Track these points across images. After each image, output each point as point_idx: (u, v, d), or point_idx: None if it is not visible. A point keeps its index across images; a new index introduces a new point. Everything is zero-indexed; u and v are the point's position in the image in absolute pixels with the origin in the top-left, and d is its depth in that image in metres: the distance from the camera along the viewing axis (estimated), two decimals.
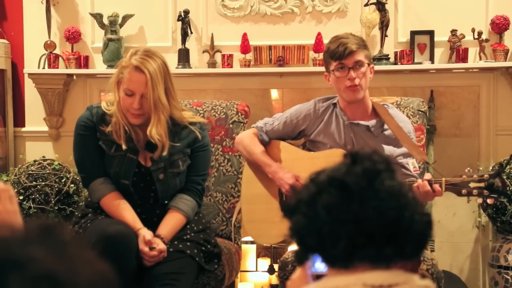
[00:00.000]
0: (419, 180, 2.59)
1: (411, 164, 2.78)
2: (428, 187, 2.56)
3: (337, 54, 2.75)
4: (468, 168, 2.58)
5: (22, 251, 0.76)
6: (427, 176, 2.65)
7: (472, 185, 2.53)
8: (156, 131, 2.63)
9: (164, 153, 2.68)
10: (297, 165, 2.91)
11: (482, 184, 2.51)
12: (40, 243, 0.78)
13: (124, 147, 2.67)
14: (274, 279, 3.76)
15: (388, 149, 2.80)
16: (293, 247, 3.29)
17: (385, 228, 1.08)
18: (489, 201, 2.56)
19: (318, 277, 1.14)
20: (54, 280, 0.74)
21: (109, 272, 0.81)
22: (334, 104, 2.91)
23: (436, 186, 2.56)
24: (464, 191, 2.53)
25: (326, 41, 3.78)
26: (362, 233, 1.08)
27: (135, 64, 2.62)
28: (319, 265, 1.12)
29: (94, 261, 0.81)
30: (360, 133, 2.85)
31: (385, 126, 2.84)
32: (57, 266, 0.75)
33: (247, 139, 3.02)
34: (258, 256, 3.96)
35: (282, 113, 3.06)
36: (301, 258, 1.15)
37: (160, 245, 2.61)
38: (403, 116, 2.97)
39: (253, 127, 3.08)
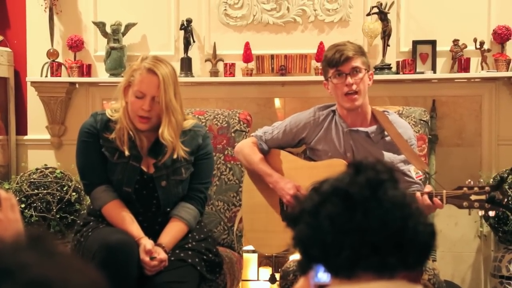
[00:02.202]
0: (418, 193, 2.58)
1: (413, 170, 2.78)
2: (429, 201, 2.55)
3: (334, 61, 2.75)
4: (469, 180, 2.57)
5: (12, 259, 0.76)
6: (428, 188, 2.64)
7: (473, 197, 2.51)
8: (167, 133, 2.64)
9: (175, 156, 2.69)
10: (297, 174, 2.90)
11: (483, 197, 2.50)
12: (31, 250, 0.78)
13: (127, 153, 2.67)
14: None
15: (388, 156, 2.79)
16: (295, 256, 3.29)
17: (389, 238, 1.08)
18: (490, 213, 2.55)
19: (321, 287, 1.14)
20: (46, 286, 0.74)
21: (101, 280, 0.81)
22: (333, 111, 2.91)
23: (436, 200, 2.55)
24: (465, 203, 2.52)
25: None
26: (366, 243, 1.08)
27: (148, 67, 2.64)
28: (322, 275, 1.12)
29: (86, 269, 0.81)
30: (359, 140, 2.84)
31: (385, 133, 2.83)
32: (49, 272, 0.76)
33: (246, 148, 3.01)
34: (259, 265, 3.95)
35: (281, 122, 3.05)
36: (304, 267, 1.15)
37: (161, 255, 2.61)
38: (404, 122, 2.96)
39: (252, 136, 3.07)
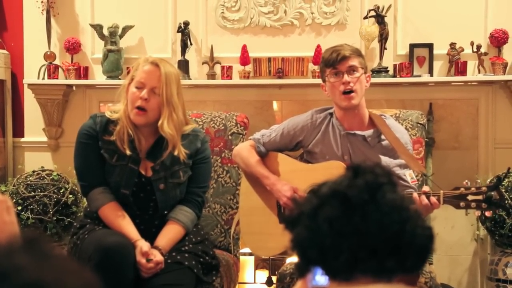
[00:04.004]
0: (415, 194, 2.58)
1: (409, 175, 2.78)
2: (427, 201, 2.55)
3: (331, 60, 2.78)
4: (466, 181, 2.58)
5: (7, 262, 0.76)
6: (425, 188, 2.64)
7: (470, 197, 2.52)
8: (167, 125, 2.65)
9: (176, 153, 2.69)
10: (295, 177, 2.90)
11: (480, 197, 2.51)
12: (26, 253, 0.78)
13: (128, 152, 2.67)
14: None
15: (385, 160, 2.79)
16: (292, 259, 3.28)
17: (387, 242, 1.08)
18: (487, 213, 2.55)
19: None
20: None
21: (96, 282, 0.81)
22: (331, 114, 2.91)
23: (433, 199, 2.56)
24: (462, 203, 2.53)
25: None
26: (364, 246, 1.08)
27: (151, 60, 2.70)
28: (320, 278, 1.11)
29: (80, 271, 0.81)
30: (356, 143, 2.85)
31: (382, 137, 2.84)
32: (44, 275, 0.75)
33: (244, 151, 3.02)
34: (256, 268, 3.95)
35: (279, 125, 3.05)
36: (302, 270, 1.15)
37: (157, 257, 2.61)
38: (400, 127, 2.97)
39: (250, 139, 3.07)
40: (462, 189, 2.54)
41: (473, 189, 2.52)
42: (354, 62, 2.78)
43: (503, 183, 3.54)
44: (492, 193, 2.49)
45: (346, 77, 2.75)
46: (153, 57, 2.75)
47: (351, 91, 2.76)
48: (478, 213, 2.56)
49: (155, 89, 2.65)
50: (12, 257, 0.77)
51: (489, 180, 3.66)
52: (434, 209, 2.60)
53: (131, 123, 2.69)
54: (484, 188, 2.51)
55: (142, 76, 2.67)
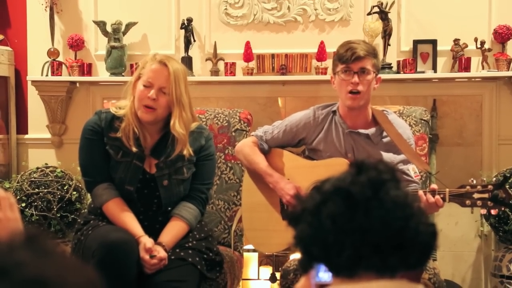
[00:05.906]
0: (421, 192, 2.58)
1: (412, 169, 2.78)
2: (433, 199, 2.55)
3: (344, 57, 2.75)
4: (472, 179, 2.57)
5: (8, 258, 0.76)
6: (434, 186, 2.64)
7: (476, 196, 2.52)
8: (179, 125, 2.65)
9: (185, 152, 2.69)
10: (298, 174, 2.90)
11: (486, 195, 2.50)
12: (27, 249, 0.78)
13: (134, 149, 2.67)
14: None
15: (388, 157, 2.79)
16: (295, 255, 3.29)
17: (390, 238, 1.08)
18: (493, 212, 2.55)
19: (322, 286, 1.14)
20: (42, 284, 0.74)
21: (97, 279, 0.82)
22: (334, 112, 2.91)
23: (437, 197, 2.55)
24: (468, 202, 2.52)
25: (329, 49, 3.80)
26: (367, 243, 1.08)
27: (159, 59, 2.68)
28: (323, 274, 1.12)
29: (82, 268, 0.81)
30: (360, 141, 2.84)
31: (385, 134, 2.83)
32: (45, 271, 0.76)
33: (247, 148, 3.01)
34: (260, 264, 3.95)
35: (281, 121, 3.04)
36: (305, 266, 1.15)
37: (161, 253, 2.61)
38: (402, 122, 2.96)
39: (252, 135, 3.07)
40: (468, 187, 2.53)
41: (479, 187, 2.52)
42: (367, 64, 2.75)
43: (509, 180, 3.53)
44: (498, 191, 2.48)
45: (356, 79, 2.73)
46: (160, 54, 2.73)
47: (358, 92, 2.74)
48: (484, 211, 2.56)
49: (163, 89, 2.65)
50: (13, 253, 0.77)
51: (494, 177, 3.66)
52: (439, 208, 2.59)
53: (137, 120, 2.69)
54: (490, 186, 2.51)
55: (150, 75, 2.66)
